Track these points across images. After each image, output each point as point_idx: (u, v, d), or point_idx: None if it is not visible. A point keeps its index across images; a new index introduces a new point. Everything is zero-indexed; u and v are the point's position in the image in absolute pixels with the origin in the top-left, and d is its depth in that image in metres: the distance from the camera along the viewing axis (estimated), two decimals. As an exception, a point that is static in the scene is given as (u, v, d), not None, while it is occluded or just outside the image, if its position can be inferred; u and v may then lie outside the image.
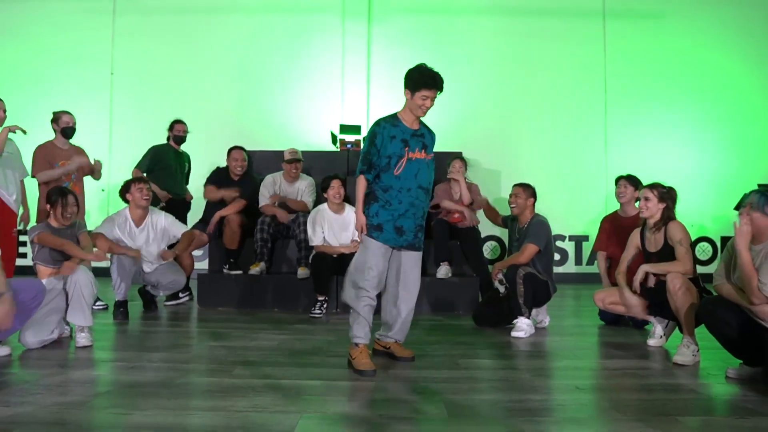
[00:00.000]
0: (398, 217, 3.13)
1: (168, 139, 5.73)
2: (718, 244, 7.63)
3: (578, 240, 7.70)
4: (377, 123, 3.19)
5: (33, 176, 4.85)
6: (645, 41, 7.75)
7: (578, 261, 7.69)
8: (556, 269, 5.18)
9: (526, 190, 4.36)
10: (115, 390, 2.70)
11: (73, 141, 5.12)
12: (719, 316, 2.94)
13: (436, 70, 3.11)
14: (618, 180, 4.70)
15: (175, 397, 2.58)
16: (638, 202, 3.79)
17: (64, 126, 4.96)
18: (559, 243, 7.47)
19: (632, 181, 4.60)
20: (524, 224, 4.33)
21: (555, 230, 4.36)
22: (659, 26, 7.77)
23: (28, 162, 4.86)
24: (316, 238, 4.88)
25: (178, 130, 5.69)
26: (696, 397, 2.70)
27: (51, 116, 5.01)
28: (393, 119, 3.19)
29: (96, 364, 3.25)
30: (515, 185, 4.42)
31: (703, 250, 7.51)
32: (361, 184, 3.16)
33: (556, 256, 7.22)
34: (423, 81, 3.08)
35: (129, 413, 2.35)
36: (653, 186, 3.71)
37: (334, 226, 4.94)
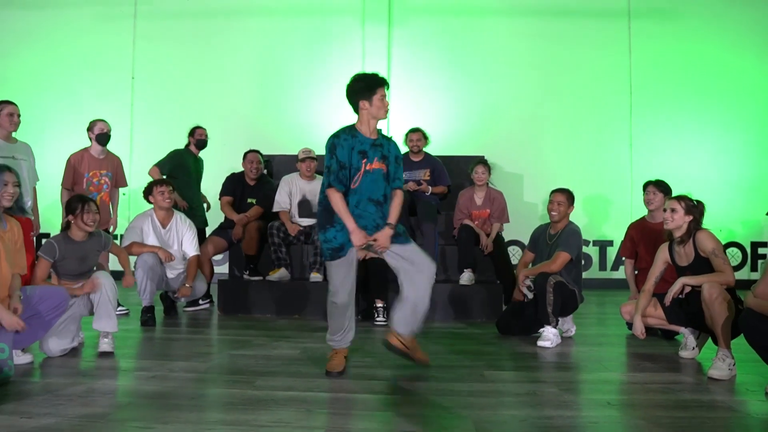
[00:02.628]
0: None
1: (188, 144, 5.70)
2: (748, 250, 7.43)
3: (603, 245, 7.56)
4: (336, 135, 3.11)
5: (63, 187, 5.03)
6: (672, 43, 7.55)
7: (602, 266, 7.54)
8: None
9: (569, 198, 4.23)
10: (136, 401, 2.68)
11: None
12: (761, 328, 2.80)
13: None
14: (646, 185, 4.57)
15: (197, 410, 2.55)
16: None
17: (98, 133, 5.09)
18: (583, 248, 7.30)
19: (661, 187, 4.46)
20: (557, 231, 4.23)
21: (579, 235, 4.24)
22: (687, 27, 7.56)
23: (58, 169, 5.10)
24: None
25: (200, 134, 5.65)
26: (734, 416, 2.59)
27: (87, 125, 5.15)
28: (351, 130, 3.13)
29: (117, 372, 3.23)
30: (556, 191, 4.26)
31: (732, 256, 7.30)
32: (335, 198, 3.02)
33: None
34: (375, 81, 3.10)
35: (150, 427, 2.32)
36: (681, 198, 3.55)
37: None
